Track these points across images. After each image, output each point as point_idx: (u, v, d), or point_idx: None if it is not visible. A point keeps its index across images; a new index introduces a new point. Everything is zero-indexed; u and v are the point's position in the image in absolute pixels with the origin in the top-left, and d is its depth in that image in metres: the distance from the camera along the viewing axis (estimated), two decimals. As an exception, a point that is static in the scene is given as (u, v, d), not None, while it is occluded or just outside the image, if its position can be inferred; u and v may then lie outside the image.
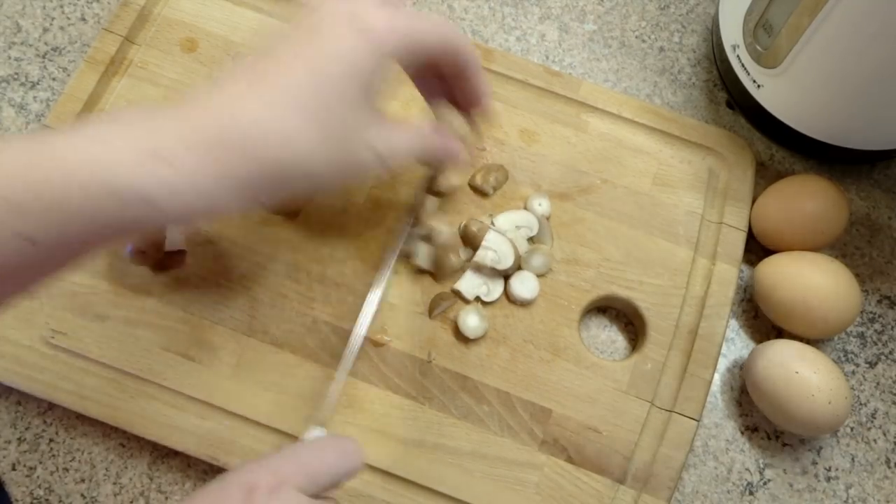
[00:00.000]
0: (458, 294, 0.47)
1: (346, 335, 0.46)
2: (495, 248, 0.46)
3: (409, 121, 0.39)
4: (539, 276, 0.47)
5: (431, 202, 0.48)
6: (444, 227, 0.46)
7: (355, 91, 0.33)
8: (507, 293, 0.47)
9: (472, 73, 0.40)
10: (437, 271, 0.47)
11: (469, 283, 0.47)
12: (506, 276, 0.47)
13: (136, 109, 0.32)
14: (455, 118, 0.41)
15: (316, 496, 0.33)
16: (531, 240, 0.48)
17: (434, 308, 0.46)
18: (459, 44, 0.38)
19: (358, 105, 0.34)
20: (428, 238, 0.46)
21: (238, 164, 0.31)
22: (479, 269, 0.47)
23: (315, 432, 0.39)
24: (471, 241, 0.47)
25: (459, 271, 0.47)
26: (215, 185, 0.31)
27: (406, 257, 0.47)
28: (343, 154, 0.34)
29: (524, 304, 0.47)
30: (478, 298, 0.47)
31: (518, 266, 0.47)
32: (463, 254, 0.47)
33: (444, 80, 0.41)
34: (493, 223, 0.48)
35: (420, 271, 0.47)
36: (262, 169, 0.32)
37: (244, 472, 0.32)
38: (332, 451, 0.35)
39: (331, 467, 0.34)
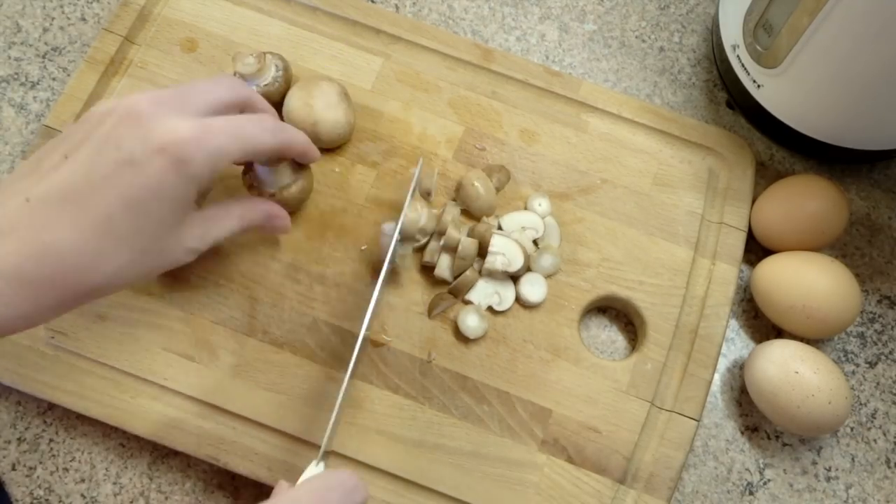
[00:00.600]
0: (468, 304, 0.47)
1: (346, 335, 0.46)
2: (503, 252, 0.46)
3: (228, 201, 0.42)
4: (547, 277, 0.47)
5: (455, 211, 0.47)
6: (467, 239, 0.46)
7: (167, 212, 0.36)
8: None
9: (290, 153, 0.43)
10: (458, 283, 0.46)
11: (481, 293, 0.47)
12: (515, 277, 0.47)
13: None
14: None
15: None
16: (535, 242, 0.48)
17: (434, 308, 0.46)
18: (266, 146, 0.39)
19: (170, 221, 0.36)
20: (452, 249, 0.46)
21: (53, 289, 0.34)
22: (491, 274, 0.47)
23: (313, 469, 0.37)
24: (479, 245, 0.47)
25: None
26: (34, 309, 0.34)
27: (429, 268, 0.47)
28: (155, 261, 0.37)
29: (531, 306, 0.47)
30: (490, 308, 0.47)
31: (527, 267, 0.47)
32: (475, 263, 0.47)
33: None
34: (498, 225, 0.48)
35: (430, 277, 0.47)
36: (76, 291, 0.34)
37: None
38: (336, 495, 0.33)
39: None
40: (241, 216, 0.41)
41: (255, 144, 0.38)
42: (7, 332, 0.34)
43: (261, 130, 0.39)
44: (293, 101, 0.48)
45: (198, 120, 0.36)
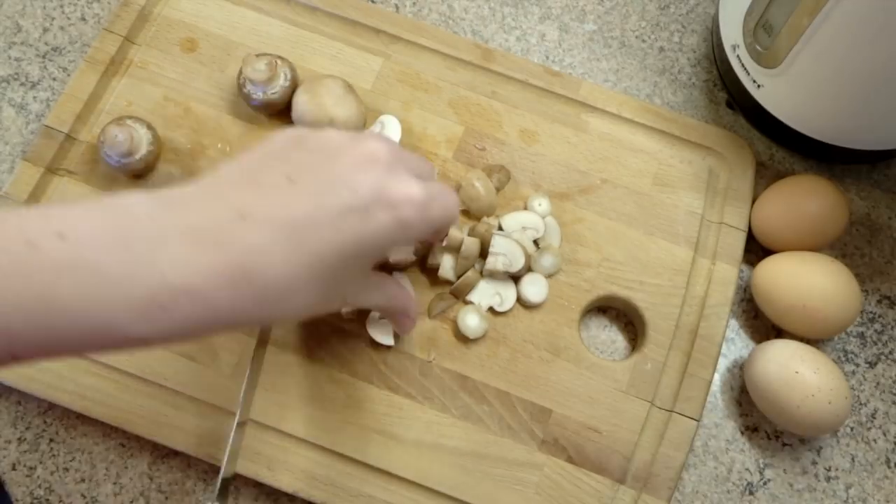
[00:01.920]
0: (469, 304, 0.47)
1: (345, 335, 0.46)
2: (505, 252, 0.46)
3: (389, 278, 0.42)
4: (548, 276, 0.47)
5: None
6: (469, 239, 0.46)
7: (366, 266, 0.36)
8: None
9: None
10: (460, 284, 0.46)
11: (482, 294, 0.47)
12: (516, 277, 0.47)
13: (143, 200, 0.30)
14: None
15: None
16: (536, 242, 0.48)
17: (434, 308, 0.46)
18: (455, 215, 0.39)
19: (360, 273, 0.36)
20: (455, 249, 0.46)
21: (252, 306, 0.31)
22: (492, 275, 0.47)
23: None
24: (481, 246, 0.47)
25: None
26: (229, 318, 0.31)
27: (433, 269, 0.47)
28: (325, 305, 0.36)
29: (532, 306, 0.47)
30: (491, 309, 0.47)
31: (528, 268, 0.47)
32: (476, 264, 0.47)
33: None
34: (498, 226, 0.48)
35: (431, 278, 0.47)
36: (262, 315, 0.32)
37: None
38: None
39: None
40: (390, 298, 0.41)
41: (451, 221, 0.38)
42: (164, 345, 0.31)
43: (455, 205, 0.38)
44: (303, 105, 0.47)
45: (425, 186, 0.35)
